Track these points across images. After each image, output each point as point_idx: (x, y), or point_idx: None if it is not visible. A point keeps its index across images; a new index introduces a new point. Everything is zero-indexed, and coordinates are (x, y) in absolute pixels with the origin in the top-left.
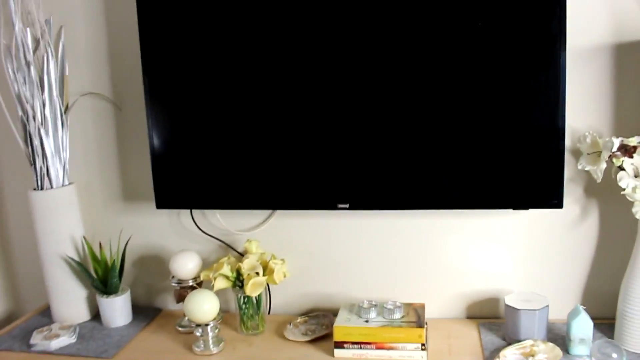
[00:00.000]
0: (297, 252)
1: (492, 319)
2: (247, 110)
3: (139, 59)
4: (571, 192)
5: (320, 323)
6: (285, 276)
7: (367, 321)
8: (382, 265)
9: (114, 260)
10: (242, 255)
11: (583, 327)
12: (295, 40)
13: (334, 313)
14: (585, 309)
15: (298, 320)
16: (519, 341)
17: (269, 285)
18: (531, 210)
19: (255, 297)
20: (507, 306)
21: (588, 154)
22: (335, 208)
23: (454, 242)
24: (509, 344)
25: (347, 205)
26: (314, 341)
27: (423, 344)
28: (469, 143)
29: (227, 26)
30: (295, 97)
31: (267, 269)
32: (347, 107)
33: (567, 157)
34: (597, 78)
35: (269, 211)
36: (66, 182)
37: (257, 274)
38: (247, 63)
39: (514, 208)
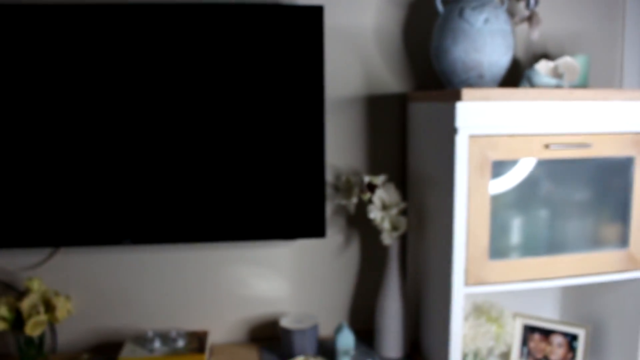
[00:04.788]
0: (83, 288)
1: (272, 340)
2: (23, 146)
3: None
4: (335, 223)
5: (107, 359)
6: (70, 313)
7: (151, 351)
8: (169, 295)
9: None
10: (23, 294)
11: (346, 340)
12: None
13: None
14: (347, 325)
15: (82, 357)
16: (293, 358)
17: (54, 323)
18: (301, 241)
19: (38, 337)
20: (282, 328)
21: (343, 190)
22: (119, 243)
23: (234, 272)
24: None
25: (130, 240)
26: None
27: None
28: (245, 182)
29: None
30: (70, 134)
31: (49, 307)
32: (127, 147)
33: (332, 193)
34: (354, 124)
35: (52, 248)
36: None
37: (38, 312)
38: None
39: (285, 239)
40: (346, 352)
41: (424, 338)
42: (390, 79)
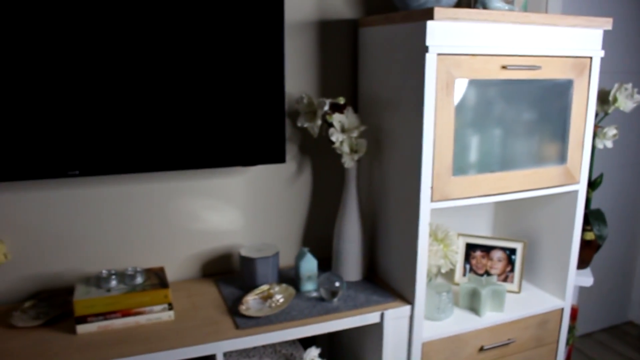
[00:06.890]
0: (19, 230)
1: (227, 273)
2: None
3: None
4: (289, 149)
5: (52, 304)
6: (6, 258)
7: (108, 290)
8: (116, 234)
9: None
10: None
11: (309, 266)
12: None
13: (68, 291)
14: (309, 251)
15: (25, 305)
16: (257, 287)
17: None
18: (255, 169)
19: None
20: (243, 257)
21: (305, 113)
22: (64, 175)
23: (185, 205)
24: (248, 291)
25: (77, 172)
26: (48, 324)
27: (170, 304)
28: (201, 107)
29: None
30: (16, 64)
31: None
32: (73, 72)
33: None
34: (307, 49)
35: None
36: None
37: None
38: None
39: (244, 165)
40: (309, 278)
41: (382, 259)
42: (340, 4)
